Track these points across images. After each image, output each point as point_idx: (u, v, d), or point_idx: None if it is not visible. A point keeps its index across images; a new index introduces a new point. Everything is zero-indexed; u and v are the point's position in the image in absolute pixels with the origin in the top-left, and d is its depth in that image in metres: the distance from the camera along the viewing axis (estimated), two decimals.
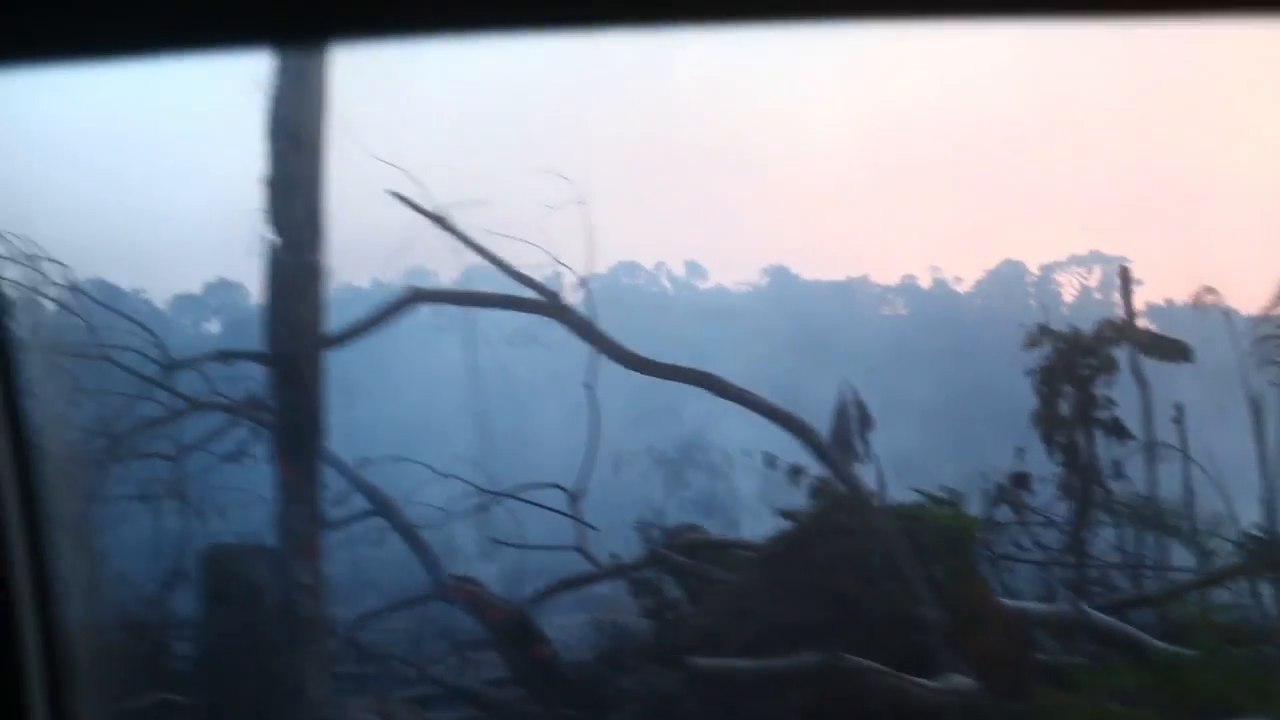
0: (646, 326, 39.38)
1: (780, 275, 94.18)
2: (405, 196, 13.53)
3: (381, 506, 14.37)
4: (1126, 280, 17.66)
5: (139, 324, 14.73)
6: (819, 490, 14.41)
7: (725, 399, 14.87)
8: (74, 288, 14.04)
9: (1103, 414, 16.54)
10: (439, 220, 13.48)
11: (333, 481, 13.95)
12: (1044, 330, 15.89)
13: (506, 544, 16.00)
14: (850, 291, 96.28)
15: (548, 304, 14.24)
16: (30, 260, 12.96)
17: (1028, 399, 17.67)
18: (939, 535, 13.09)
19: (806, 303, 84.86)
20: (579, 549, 15.29)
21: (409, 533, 14.06)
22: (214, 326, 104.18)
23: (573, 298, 14.97)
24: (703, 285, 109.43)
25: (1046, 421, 16.72)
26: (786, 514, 14.51)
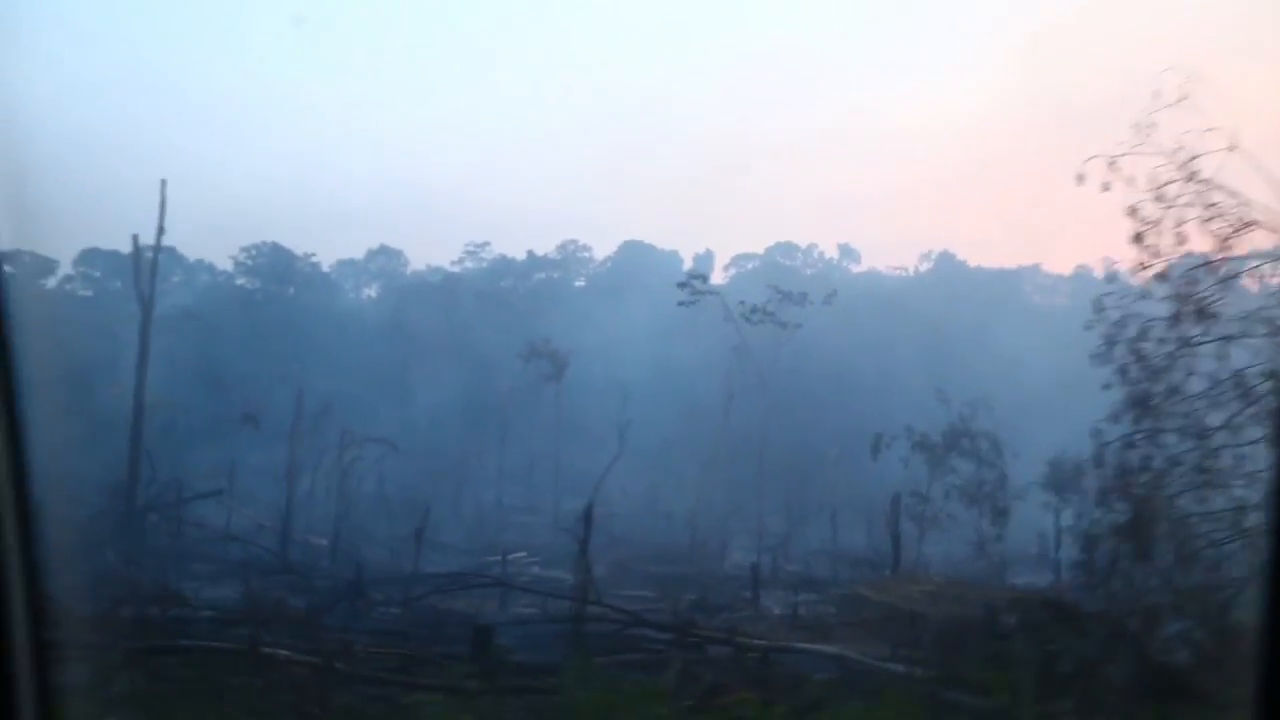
0: (800, 312, 38.88)
1: (943, 261, 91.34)
2: None
3: None
4: None
5: None
6: None
7: None
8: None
9: None
10: None
11: None
12: None
13: None
14: (1018, 280, 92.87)
15: None
16: None
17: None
18: None
19: (970, 290, 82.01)
20: None
21: None
22: (372, 290, 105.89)
23: None
24: (856, 269, 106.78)
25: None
26: None
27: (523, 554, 34.04)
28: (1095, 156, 12.85)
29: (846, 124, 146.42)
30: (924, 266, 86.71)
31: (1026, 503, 27.90)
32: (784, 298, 30.83)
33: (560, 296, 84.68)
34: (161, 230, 30.74)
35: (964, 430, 26.21)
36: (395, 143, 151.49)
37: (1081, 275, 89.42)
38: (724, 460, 47.54)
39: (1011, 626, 19.89)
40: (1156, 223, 12.74)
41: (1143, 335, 12.95)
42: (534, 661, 14.99)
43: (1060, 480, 24.85)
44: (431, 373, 64.51)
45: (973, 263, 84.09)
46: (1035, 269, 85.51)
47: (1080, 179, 12.85)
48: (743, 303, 30.67)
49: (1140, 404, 12.91)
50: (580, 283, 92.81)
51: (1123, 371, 13.05)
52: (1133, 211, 12.74)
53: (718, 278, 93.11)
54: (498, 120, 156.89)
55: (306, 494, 39.26)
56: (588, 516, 16.94)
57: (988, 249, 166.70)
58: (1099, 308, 13.46)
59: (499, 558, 31.44)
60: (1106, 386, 13.34)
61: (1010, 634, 19.32)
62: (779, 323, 31.05)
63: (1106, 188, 12.70)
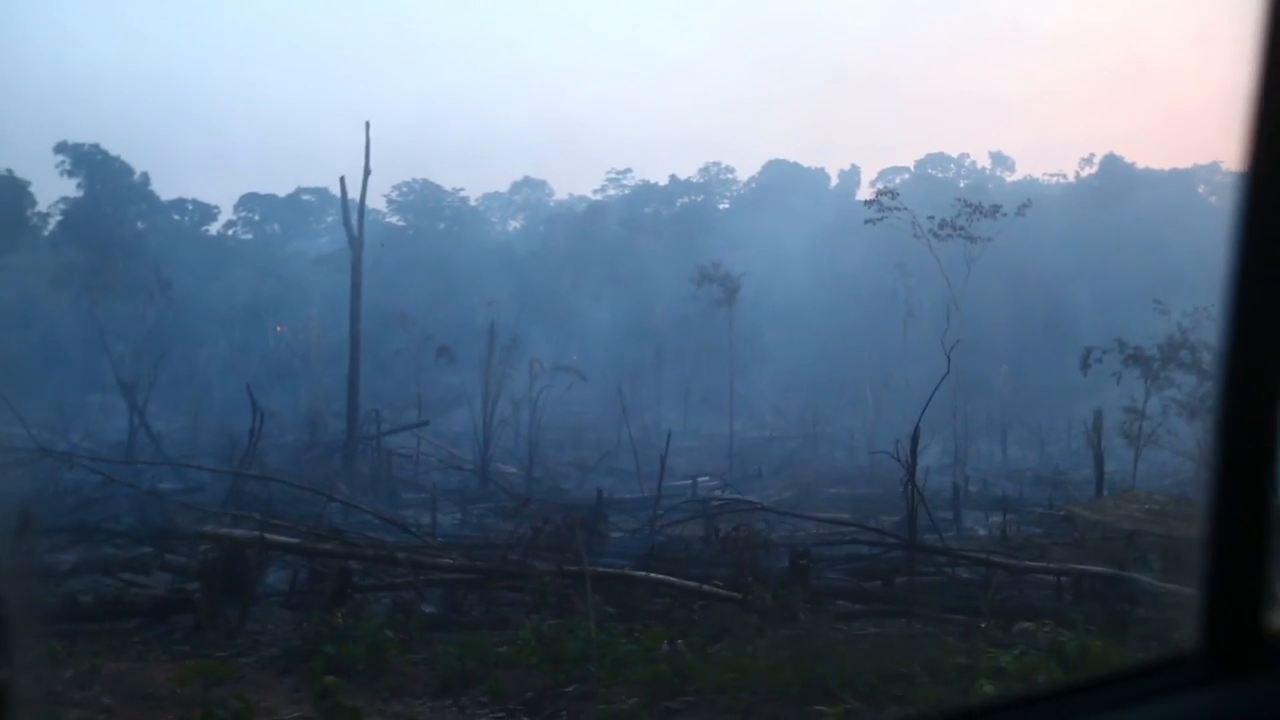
0: (990, 225, 37.33)
1: (1109, 164, 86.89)
2: None
3: None
4: None
5: None
6: None
7: None
8: None
9: None
10: None
11: None
12: None
13: None
14: (1192, 179, 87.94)
15: None
16: None
17: None
18: None
19: (1142, 193, 78.00)
20: None
21: None
22: (517, 222, 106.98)
23: None
24: (1010, 178, 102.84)
25: None
26: None
27: (706, 478, 34.21)
28: None
29: (992, 24, 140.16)
30: (1086, 171, 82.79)
31: None
32: (974, 210, 29.72)
33: (706, 219, 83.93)
34: (368, 171, 31.44)
35: (1183, 341, 24.92)
36: (534, 77, 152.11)
37: None
38: (899, 379, 46.65)
39: None
40: None
41: None
42: (855, 587, 14.83)
43: None
44: (590, 300, 65.07)
45: (1140, 164, 79.86)
46: (1213, 167, 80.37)
47: None
48: (931, 217, 29.75)
49: None
50: (724, 205, 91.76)
51: None
52: None
53: (865, 193, 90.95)
54: (635, 47, 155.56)
55: (478, 422, 40.08)
56: (915, 440, 16.61)
57: (1155, 149, 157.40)
58: None
59: (688, 481, 31.62)
60: None
61: None
62: (968, 237, 30.03)
63: None
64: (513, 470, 32.59)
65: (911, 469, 16.14)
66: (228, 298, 70.21)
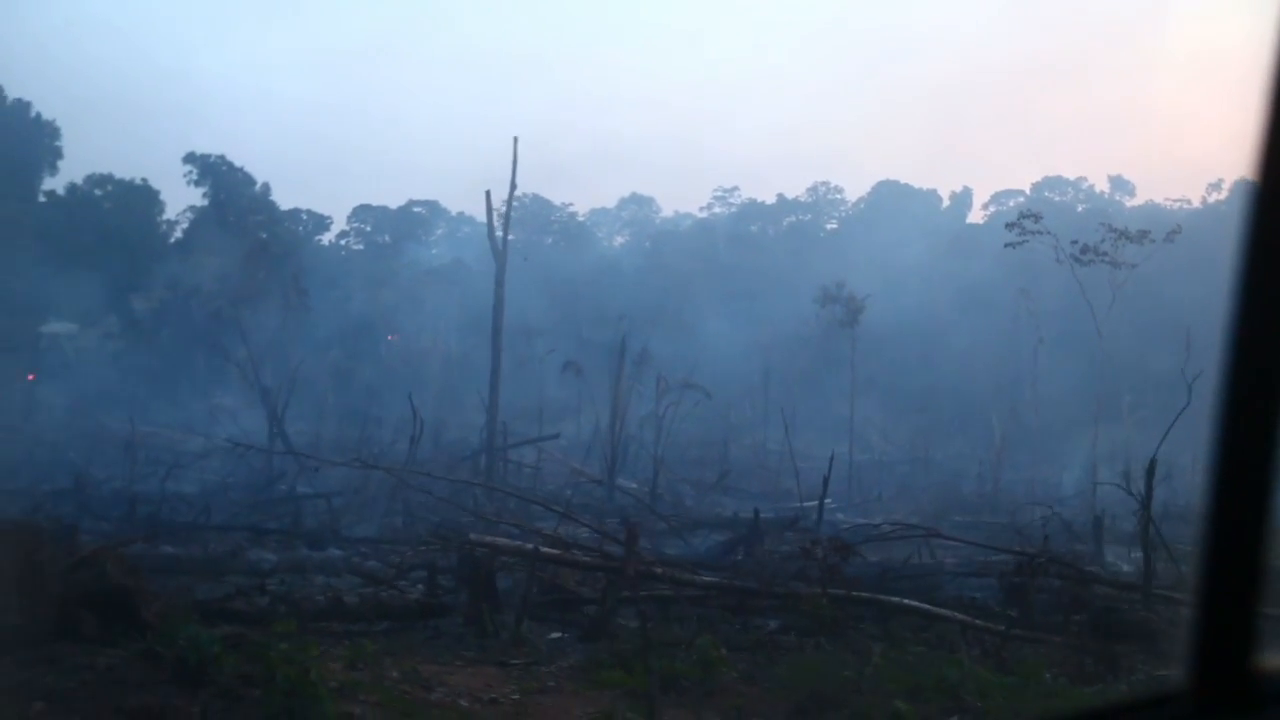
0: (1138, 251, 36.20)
1: (1242, 189, 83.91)
2: None
3: None
4: None
5: None
6: None
7: None
8: None
9: None
10: None
11: None
12: None
13: None
14: None
15: None
16: None
17: None
18: None
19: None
20: None
21: None
22: (623, 237, 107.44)
23: None
24: (1130, 203, 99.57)
25: None
26: None
27: (830, 500, 33.73)
28: None
29: (1111, 43, 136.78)
30: (1214, 197, 79.80)
31: None
32: (1119, 236, 28.83)
33: (813, 239, 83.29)
34: (514, 186, 32.21)
35: None
36: (642, 94, 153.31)
37: None
38: (1024, 405, 45.39)
39: None
40: None
41: None
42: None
43: None
44: (700, 317, 64.98)
45: None
46: None
47: None
48: (1075, 242, 28.93)
49: None
50: (832, 225, 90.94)
51: None
52: None
53: (976, 216, 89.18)
54: (743, 65, 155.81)
55: (592, 436, 40.03)
56: (1150, 472, 16.19)
57: None
58: None
59: (813, 503, 31.23)
60: None
61: None
62: (1113, 263, 29.11)
63: None
64: (633, 485, 32.56)
65: (1148, 503, 15.60)
66: (343, 306, 71.87)
